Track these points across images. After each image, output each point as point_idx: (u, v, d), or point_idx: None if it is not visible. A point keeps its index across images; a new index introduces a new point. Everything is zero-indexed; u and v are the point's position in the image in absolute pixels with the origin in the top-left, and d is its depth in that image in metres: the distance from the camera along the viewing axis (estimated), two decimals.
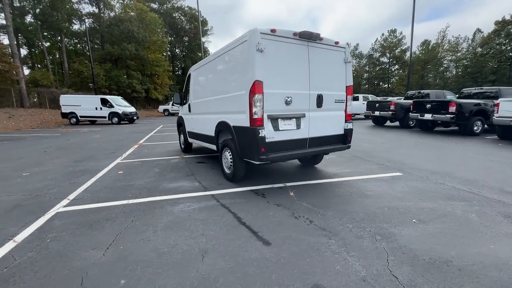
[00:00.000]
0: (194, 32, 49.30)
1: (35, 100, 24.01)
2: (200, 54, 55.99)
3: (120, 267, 2.02)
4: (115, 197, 3.54)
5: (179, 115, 7.01)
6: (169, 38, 46.71)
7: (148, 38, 35.73)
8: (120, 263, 2.06)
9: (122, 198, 3.52)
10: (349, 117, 4.38)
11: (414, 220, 2.72)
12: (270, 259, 2.08)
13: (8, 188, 4.08)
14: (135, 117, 19.70)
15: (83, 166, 5.47)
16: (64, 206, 3.25)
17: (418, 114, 10.62)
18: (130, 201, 3.38)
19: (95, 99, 18.81)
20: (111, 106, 18.60)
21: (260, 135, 3.33)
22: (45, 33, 31.25)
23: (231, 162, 4.04)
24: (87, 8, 35.78)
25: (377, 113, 13.65)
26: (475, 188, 3.68)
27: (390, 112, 12.72)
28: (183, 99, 6.49)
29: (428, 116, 10.19)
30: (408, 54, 50.44)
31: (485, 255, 2.09)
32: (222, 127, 4.22)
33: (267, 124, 3.46)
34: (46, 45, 32.35)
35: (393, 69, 59.23)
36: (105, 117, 18.66)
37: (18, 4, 27.69)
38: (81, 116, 18.79)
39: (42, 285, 1.84)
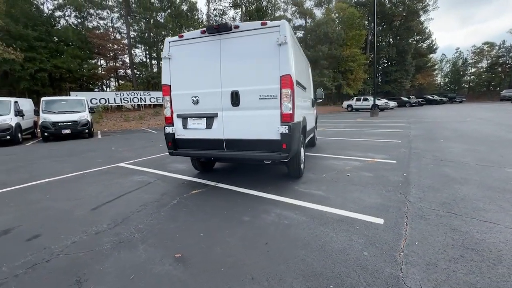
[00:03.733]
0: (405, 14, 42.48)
1: None
2: (411, 39, 47.24)
3: None
4: None
5: None
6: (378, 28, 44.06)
7: (344, 35, 36.65)
8: None
9: None
10: (288, 118, 3.18)
11: None
12: None
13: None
14: None
15: None
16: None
17: None
18: None
19: None
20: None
21: (166, 131, 3.77)
22: None
23: None
24: (297, 22, 43.16)
25: None
26: None
27: None
28: None
29: None
30: None
31: None
32: None
33: (177, 122, 3.75)
34: None
35: None
36: None
37: None
38: None
39: None
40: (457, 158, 4.97)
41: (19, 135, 10.78)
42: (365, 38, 41.64)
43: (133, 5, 25.80)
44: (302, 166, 4.14)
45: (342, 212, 2.79)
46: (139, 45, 31.96)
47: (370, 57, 45.02)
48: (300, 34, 42.50)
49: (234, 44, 3.34)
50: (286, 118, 3.17)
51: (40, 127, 11.09)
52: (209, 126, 3.59)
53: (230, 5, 38.71)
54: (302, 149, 4.08)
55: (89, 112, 12.19)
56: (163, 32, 27.43)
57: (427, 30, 50.12)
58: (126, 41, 27.76)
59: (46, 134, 10.84)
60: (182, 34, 3.61)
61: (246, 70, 3.32)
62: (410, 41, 47.72)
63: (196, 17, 30.34)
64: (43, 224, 2.76)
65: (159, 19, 27.46)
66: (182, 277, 1.83)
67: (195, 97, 3.60)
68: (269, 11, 41.17)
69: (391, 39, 50.15)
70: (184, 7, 28.75)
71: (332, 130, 11.09)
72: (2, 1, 21.01)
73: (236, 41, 3.33)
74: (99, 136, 12.20)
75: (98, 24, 28.87)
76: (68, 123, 11.11)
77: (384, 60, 50.99)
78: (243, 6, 38.80)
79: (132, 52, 28.85)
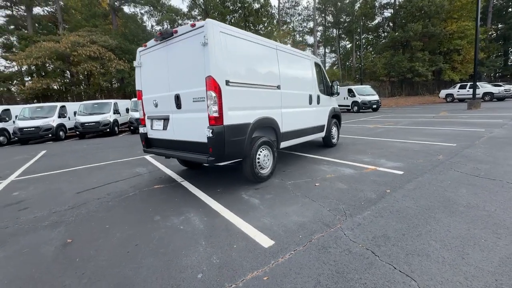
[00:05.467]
0: None
1: None
2: None
3: None
4: None
5: None
6: None
7: (447, 6, 29.28)
8: None
9: None
10: (213, 121, 3.02)
11: None
12: None
13: None
14: (374, 106, 19.50)
15: None
16: None
17: None
18: None
19: (345, 89, 21.46)
20: (353, 95, 20.18)
21: (140, 131, 4.22)
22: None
23: None
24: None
25: None
26: None
27: None
28: None
29: None
30: None
31: None
32: None
33: (147, 123, 4.15)
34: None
35: None
36: (348, 106, 20.80)
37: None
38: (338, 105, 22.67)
39: None
40: (506, 176, 3.45)
41: (116, 128, 14.13)
42: (483, 5, 31.98)
43: (211, 10, 28.57)
44: (268, 169, 3.90)
45: (246, 226, 2.54)
46: None
47: (490, 29, 34.47)
48: (387, 13, 36.72)
49: (175, 48, 3.46)
50: (211, 121, 3.07)
51: (128, 122, 14.22)
52: (164, 127, 3.86)
53: None
54: (266, 151, 3.81)
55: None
56: None
57: None
58: None
59: (132, 128, 13.84)
60: (146, 43, 3.97)
61: (183, 74, 3.39)
62: None
63: (267, 12, 30.75)
64: (38, 200, 3.73)
65: (232, 20, 29.42)
66: (56, 258, 2.19)
67: (155, 100, 3.92)
68: None
69: None
70: (256, 5, 29.65)
71: (385, 127, 9.38)
72: (121, 25, 27.38)
73: (176, 45, 3.43)
74: None
75: None
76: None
77: None
78: None
79: None
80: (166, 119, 3.84)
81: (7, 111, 13.59)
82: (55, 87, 23.91)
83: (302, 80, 4.88)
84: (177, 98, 3.51)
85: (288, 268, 1.88)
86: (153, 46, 3.79)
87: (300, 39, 38.59)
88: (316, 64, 5.47)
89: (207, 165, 4.84)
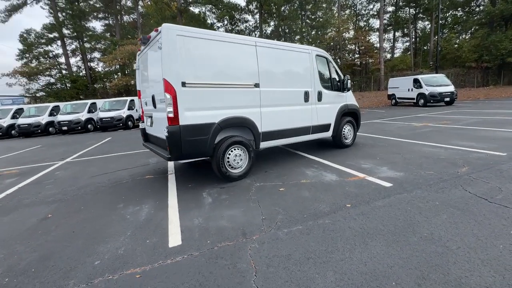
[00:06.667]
0: None
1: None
2: None
3: None
4: None
5: None
6: None
7: None
8: None
9: None
10: (169, 121, 3.17)
11: None
12: None
13: None
14: (446, 98, 16.26)
15: None
16: None
17: None
18: None
19: (409, 80, 18.54)
20: (420, 86, 17.27)
21: (140, 127, 4.75)
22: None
23: None
24: None
25: None
26: None
27: None
28: None
29: None
30: None
31: None
32: None
33: (145, 120, 4.65)
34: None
35: None
36: (413, 99, 17.96)
37: None
38: (398, 98, 19.90)
39: None
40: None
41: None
42: None
43: (267, 2, 28.46)
44: (241, 169, 3.91)
45: (176, 224, 2.67)
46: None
47: None
48: None
49: (149, 53, 3.76)
50: (168, 122, 3.24)
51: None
52: (151, 124, 4.25)
53: None
54: (238, 151, 3.81)
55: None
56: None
57: None
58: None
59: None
60: (140, 47, 4.39)
61: (154, 76, 3.67)
62: None
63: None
64: (63, 180, 4.69)
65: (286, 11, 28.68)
66: (31, 227, 2.82)
67: (145, 100, 4.34)
68: None
69: None
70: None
71: (434, 127, 7.82)
72: (184, 25, 30.06)
73: (150, 51, 3.73)
74: None
75: (243, 28, 34.52)
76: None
77: None
78: None
79: None
80: (150, 117, 4.23)
81: (94, 104, 16.97)
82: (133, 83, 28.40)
83: (295, 76, 4.54)
84: (153, 99, 3.83)
85: (165, 271, 1.94)
86: (143, 51, 4.19)
87: (364, 24, 34.60)
88: (320, 58, 4.97)
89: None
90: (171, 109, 3.19)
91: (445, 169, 3.79)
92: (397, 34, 36.59)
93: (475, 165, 3.86)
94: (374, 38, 34.33)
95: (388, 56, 37.16)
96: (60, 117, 15.64)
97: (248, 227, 2.50)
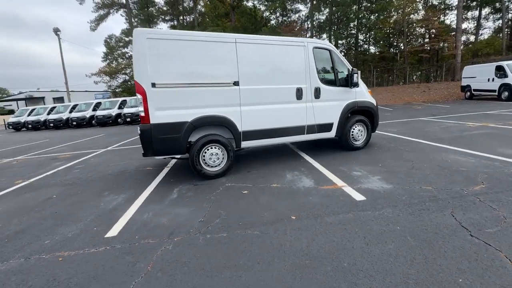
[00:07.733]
0: None
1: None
2: None
3: None
4: None
5: None
6: None
7: None
8: None
9: None
10: (142, 121, 3.41)
11: None
12: None
13: None
14: None
15: None
16: None
17: None
18: None
19: (490, 67, 15.00)
20: (504, 75, 13.84)
21: None
22: None
23: None
24: None
25: None
26: None
27: None
28: None
29: None
30: None
31: None
32: None
33: None
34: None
35: None
36: (494, 91, 14.54)
37: None
38: (474, 90, 16.43)
39: None
40: None
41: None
42: None
43: None
44: (218, 168, 3.95)
45: (124, 218, 2.91)
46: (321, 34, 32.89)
47: None
48: None
49: None
50: (140, 120, 3.49)
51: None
52: None
53: None
54: (215, 149, 3.86)
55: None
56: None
57: None
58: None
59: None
60: None
61: None
62: None
63: None
64: (88, 166, 5.55)
65: None
66: (34, 205, 3.50)
67: None
68: None
69: None
70: None
71: (493, 128, 6.21)
72: (236, 20, 30.90)
73: None
74: None
75: (296, 18, 33.37)
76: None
77: None
78: None
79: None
80: None
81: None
82: None
83: (285, 72, 4.22)
84: None
85: (81, 258, 2.15)
86: None
87: (439, 1, 28.78)
88: (319, 50, 4.48)
89: None
90: (142, 108, 3.42)
91: (452, 185, 3.03)
92: (484, 11, 29.40)
93: (499, 183, 2.96)
94: (451, 18, 28.65)
95: (471, 38, 30.50)
96: (125, 110, 18.34)
97: (181, 228, 2.54)
